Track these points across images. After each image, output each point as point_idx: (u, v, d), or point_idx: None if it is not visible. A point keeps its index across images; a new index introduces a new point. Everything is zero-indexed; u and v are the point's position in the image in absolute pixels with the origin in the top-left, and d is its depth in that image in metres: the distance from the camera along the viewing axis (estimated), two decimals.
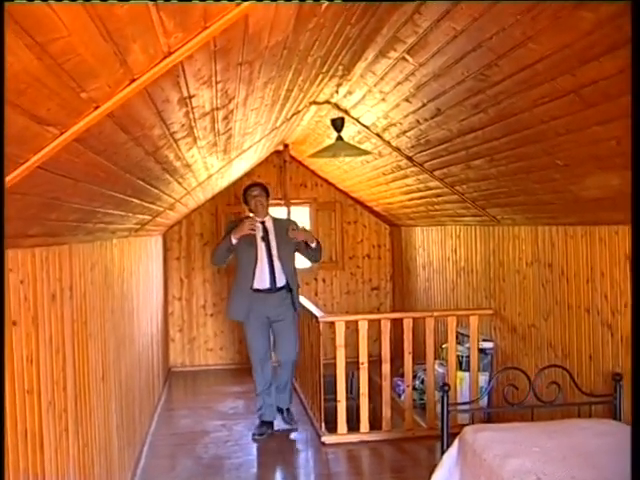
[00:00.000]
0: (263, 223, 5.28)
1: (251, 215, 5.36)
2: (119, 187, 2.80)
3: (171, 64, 1.57)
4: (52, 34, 1.09)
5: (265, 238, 5.24)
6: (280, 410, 5.58)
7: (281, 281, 5.23)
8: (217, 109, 2.65)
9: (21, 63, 1.12)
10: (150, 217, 4.76)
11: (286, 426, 5.52)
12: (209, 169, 4.68)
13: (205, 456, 5.12)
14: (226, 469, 4.84)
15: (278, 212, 8.07)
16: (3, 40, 1.01)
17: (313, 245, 5.24)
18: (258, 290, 5.21)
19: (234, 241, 5.10)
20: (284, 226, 5.31)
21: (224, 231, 5.56)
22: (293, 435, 5.51)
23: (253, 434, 5.45)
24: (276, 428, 5.52)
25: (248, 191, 5.37)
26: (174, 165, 3.34)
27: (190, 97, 2.12)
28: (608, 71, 2.34)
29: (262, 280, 5.21)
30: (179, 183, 4.22)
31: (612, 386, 3.69)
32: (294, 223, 5.39)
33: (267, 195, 5.38)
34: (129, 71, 1.48)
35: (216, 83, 2.18)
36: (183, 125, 2.51)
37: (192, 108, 2.31)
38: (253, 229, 5.07)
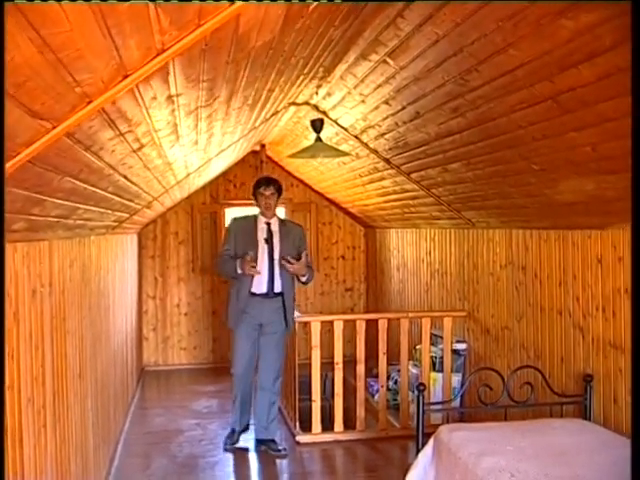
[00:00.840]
0: (269, 225, 4.99)
1: (260, 215, 5.03)
2: (102, 183, 2.81)
3: (163, 61, 1.59)
4: (55, 28, 1.11)
5: (268, 240, 4.94)
6: (261, 441, 5.15)
7: (278, 287, 4.93)
8: (201, 107, 2.67)
9: (23, 56, 1.13)
10: (128, 215, 4.76)
11: (276, 453, 5.05)
12: (188, 167, 4.68)
13: (180, 455, 5.11)
14: (201, 468, 4.84)
15: (253, 212, 8.10)
16: (3, 40, 1.03)
17: (303, 279, 4.99)
18: (254, 294, 4.91)
19: (239, 272, 4.79)
20: (291, 231, 5.07)
21: (226, 232, 5.18)
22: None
23: (225, 443, 5.21)
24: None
25: (260, 188, 4.98)
26: (155, 162, 3.35)
27: (177, 95, 2.14)
28: (586, 79, 2.39)
29: (260, 284, 4.90)
30: (159, 181, 4.22)
31: (582, 387, 3.77)
32: (302, 233, 5.17)
33: (279, 195, 5.06)
34: (123, 67, 1.50)
35: (203, 81, 2.20)
36: (168, 123, 2.53)
37: (178, 106, 2.33)
38: (253, 273, 4.76)
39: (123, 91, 1.61)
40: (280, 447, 5.04)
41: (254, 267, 4.73)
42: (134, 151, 2.60)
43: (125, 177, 3.08)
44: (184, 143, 3.32)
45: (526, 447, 3.10)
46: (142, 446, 5.36)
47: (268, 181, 5.05)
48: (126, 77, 1.55)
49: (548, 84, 2.60)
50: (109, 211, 3.80)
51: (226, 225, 5.11)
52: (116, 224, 4.70)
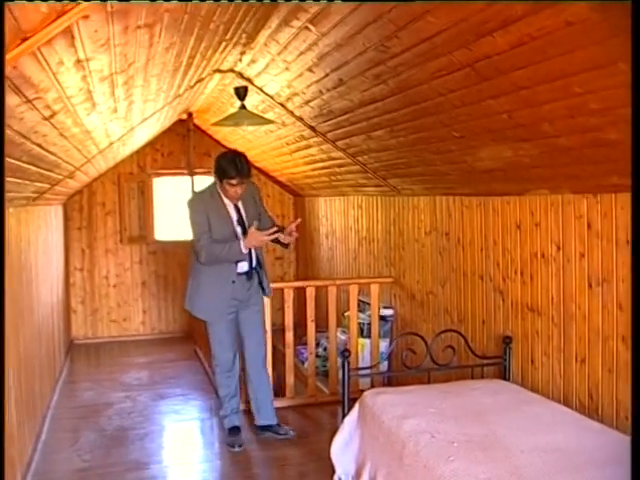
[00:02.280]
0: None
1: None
2: (14, 153, 2.72)
3: (65, 24, 1.54)
4: None
5: (240, 220, 4.39)
6: (266, 427, 4.71)
7: (254, 261, 4.48)
8: (117, 73, 2.61)
9: None
10: (49, 185, 4.63)
11: (285, 437, 4.67)
12: (110, 136, 4.58)
13: (109, 428, 5.07)
14: (130, 440, 4.81)
15: (182, 182, 8.00)
16: (3, 40, 0.99)
17: (286, 242, 4.49)
18: (238, 275, 4.42)
19: (245, 252, 4.28)
20: (248, 194, 4.45)
21: (193, 214, 4.40)
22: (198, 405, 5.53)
23: (231, 445, 4.57)
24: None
25: (232, 179, 4.19)
26: (72, 131, 3.26)
27: (87, 60, 2.08)
28: (500, 47, 2.42)
29: (242, 264, 4.41)
30: (79, 150, 4.12)
31: (502, 348, 3.88)
32: (258, 190, 4.67)
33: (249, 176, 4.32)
34: (20, 30, 1.44)
35: (114, 46, 2.15)
36: (81, 89, 2.46)
37: (90, 71, 2.27)
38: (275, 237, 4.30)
39: (23, 55, 1.55)
40: (288, 429, 4.71)
41: (276, 231, 4.25)
42: (46, 119, 2.52)
43: (40, 146, 2.99)
44: (102, 111, 3.24)
45: (447, 408, 3.18)
46: (70, 420, 5.29)
47: (239, 167, 4.18)
48: (25, 40, 1.50)
49: (466, 51, 2.62)
50: (26, 182, 3.69)
51: (188, 205, 4.44)
52: (36, 195, 4.57)
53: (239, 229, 4.38)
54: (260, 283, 4.58)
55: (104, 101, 3.01)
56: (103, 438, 4.85)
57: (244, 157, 4.26)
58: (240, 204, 4.42)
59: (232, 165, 4.17)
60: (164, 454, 4.65)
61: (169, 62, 3.17)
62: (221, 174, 4.22)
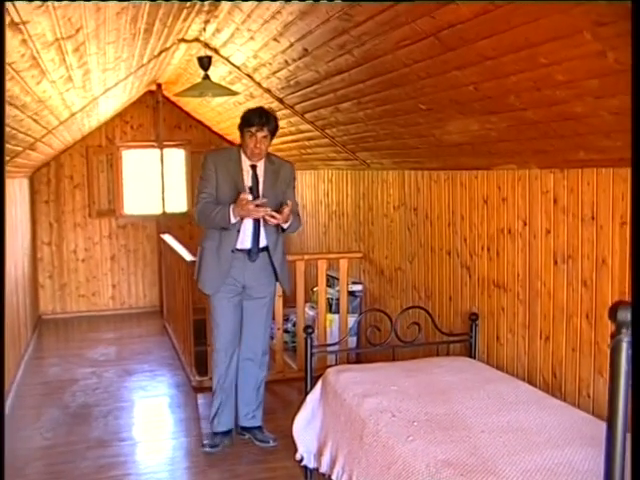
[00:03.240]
0: (254, 167, 4.00)
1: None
2: None
3: None
4: None
5: (254, 188, 3.98)
6: (246, 429, 4.32)
7: (264, 241, 4.05)
8: (63, 39, 2.48)
9: None
10: (7, 157, 4.49)
11: (263, 445, 4.23)
12: (70, 107, 4.44)
13: (73, 405, 5.00)
14: (94, 417, 4.74)
15: (151, 154, 7.87)
16: (4, 40, 0.89)
17: (285, 226, 3.94)
18: (237, 251, 4.03)
19: (234, 220, 3.87)
20: (279, 171, 4.10)
21: (204, 170, 4.07)
22: (165, 380, 5.46)
23: (203, 445, 4.22)
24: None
25: (251, 127, 3.88)
26: (23, 100, 3.13)
27: (24, 22, 1.95)
28: (465, 15, 2.34)
29: (244, 239, 4.01)
30: (35, 121, 3.97)
31: (468, 325, 3.83)
32: (292, 173, 4.23)
33: (274, 136, 4.02)
34: None
35: (54, 9, 2.03)
36: (23, 55, 2.33)
37: (30, 36, 2.15)
38: (261, 213, 3.81)
39: None
40: (269, 437, 4.25)
41: (262, 205, 3.79)
42: None
43: None
44: (54, 79, 3.11)
45: (409, 387, 3.13)
46: (34, 397, 5.21)
47: (263, 118, 3.90)
48: None
49: (429, 20, 2.53)
50: None
51: (202, 162, 4.11)
52: None
53: (249, 197, 3.87)
54: (275, 272, 4.15)
55: (54, 69, 2.88)
56: (66, 415, 4.78)
57: (273, 115, 4.00)
58: (260, 174, 4.03)
59: (256, 114, 3.92)
60: (128, 431, 4.57)
61: (124, 29, 3.04)
62: (243, 123, 3.94)
